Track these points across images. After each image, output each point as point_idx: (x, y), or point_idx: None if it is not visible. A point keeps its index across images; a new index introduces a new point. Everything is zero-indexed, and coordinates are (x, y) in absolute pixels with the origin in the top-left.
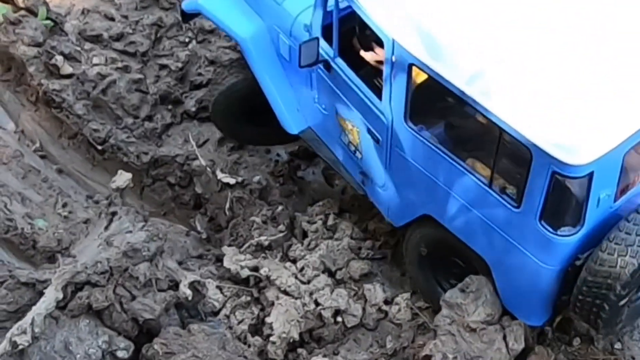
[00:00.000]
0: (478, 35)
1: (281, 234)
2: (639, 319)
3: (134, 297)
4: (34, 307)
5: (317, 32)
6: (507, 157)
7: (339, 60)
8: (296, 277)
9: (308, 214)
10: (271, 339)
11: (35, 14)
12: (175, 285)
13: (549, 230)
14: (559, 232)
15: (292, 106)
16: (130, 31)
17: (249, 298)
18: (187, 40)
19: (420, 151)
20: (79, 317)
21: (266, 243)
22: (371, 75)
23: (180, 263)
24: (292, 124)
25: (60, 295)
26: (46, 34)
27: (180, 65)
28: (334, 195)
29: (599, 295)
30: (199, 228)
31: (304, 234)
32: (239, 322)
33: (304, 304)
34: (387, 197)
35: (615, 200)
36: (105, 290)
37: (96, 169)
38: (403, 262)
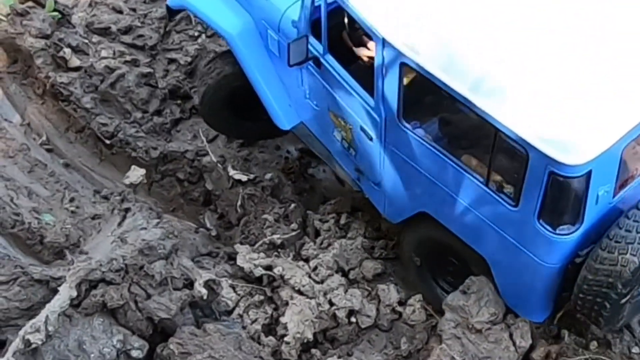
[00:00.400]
0: (473, 35)
1: (294, 233)
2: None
3: (149, 296)
4: (47, 305)
5: (305, 27)
6: (504, 155)
7: (329, 57)
8: (310, 277)
9: (320, 213)
10: (285, 339)
11: (42, 6)
12: (190, 284)
13: (547, 229)
14: (557, 231)
15: (284, 102)
16: (139, 24)
17: (262, 297)
18: (196, 34)
19: (415, 149)
20: (93, 316)
21: (279, 241)
22: (362, 71)
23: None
24: (284, 119)
25: (75, 293)
26: (54, 25)
27: (189, 59)
28: (345, 194)
29: (600, 294)
30: (208, 225)
31: (317, 233)
32: (253, 322)
33: (319, 304)
34: (383, 194)
35: (614, 196)
36: (120, 289)
37: (104, 164)
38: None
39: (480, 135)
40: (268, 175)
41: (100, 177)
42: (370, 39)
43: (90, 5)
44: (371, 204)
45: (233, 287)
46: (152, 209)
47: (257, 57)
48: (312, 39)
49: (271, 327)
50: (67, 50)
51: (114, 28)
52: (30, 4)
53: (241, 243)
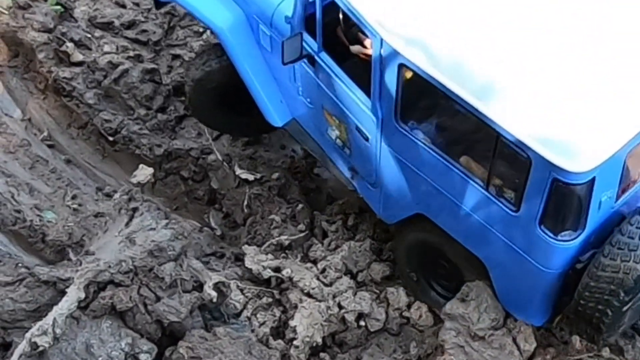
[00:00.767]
0: (474, 36)
1: (302, 234)
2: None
3: (158, 299)
4: (55, 307)
5: (298, 24)
6: (505, 160)
7: (324, 55)
8: (318, 279)
9: (327, 213)
10: (294, 342)
11: None
12: (199, 286)
13: (549, 235)
14: (559, 237)
15: (275, 98)
16: (142, 19)
17: (270, 299)
18: (201, 30)
19: (412, 150)
20: (101, 318)
21: (287, 243)
22: (358, 70)
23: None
24: (276, 116)
25: (83, 295)
26: (56, 19)
27: (193, 55)
28: (351, 194)
29: (602, 301)
30: (213, 224)
31: (324, 234)
32: (261, 325)
33: (328, 307)
34: (378, 195)
35: (616, 201)
36: (130, 291)
37: (106, 161)
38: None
39: (480, 138)
40: (275, 175)
41: (103, 174)
42: (367, 37)
43: None
44: None
45: (241, 289)
46: (160, 208)
47: (248, 52)
48: (305, 36)
49: (279, 330)
50: (70, 45)
51: (117, 22)
52: None
53: (248, 244)
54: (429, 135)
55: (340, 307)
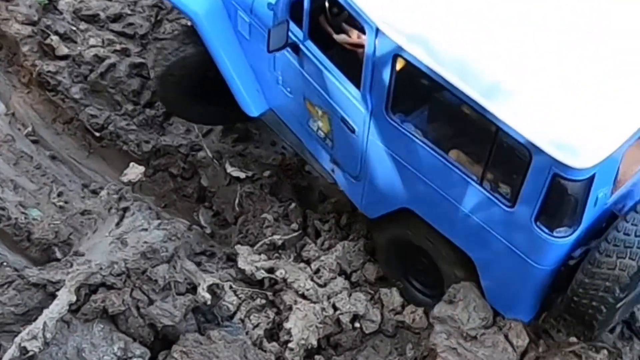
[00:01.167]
0: (476, 29)
1: (295, 233)
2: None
3: (151, 302)
4: (45, 311)
5: (284, 11)
6: (501, 154)
7: (309, 43)
8: (312, 280)
9: (319, 212)
10: (289, 345)
11: None
12: (193, 289)
13: (544, 232)
14: (555, 233)
15: (252, 87)
16: (129, 12)
17: (263, 301)
18: (189, 23)
19: (402, 143)
20: (92, 322)
21: (280, 242)
22: (347, 60)
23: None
24: (252, 105)
25: (74, 298)
26: (40, 12)
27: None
28: (343, 192)
29: (596, 298)
30: (203, 222)
31: (317, 233)
32: (255, 327)
33: (323, 309)
34: (361, 188)
35: (610, 196)
36: (122, 294)
37: (92, 157)
38: None
39: (475, 132)
40: (267, 173)
41: (89, 170)
42: (356, 26)
43: None
44: None
45: (234, 291)
46: (152, 208)
47: (225, 38)
48: (290, 24)
49: (273, 332)
50: (55, 38)
51: (102, 15)
52: None
53: (239, 243)
54: (420, 128)
55: (335, 308)
